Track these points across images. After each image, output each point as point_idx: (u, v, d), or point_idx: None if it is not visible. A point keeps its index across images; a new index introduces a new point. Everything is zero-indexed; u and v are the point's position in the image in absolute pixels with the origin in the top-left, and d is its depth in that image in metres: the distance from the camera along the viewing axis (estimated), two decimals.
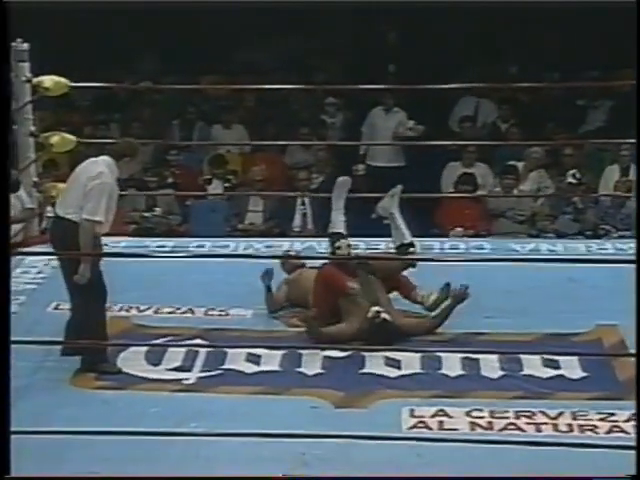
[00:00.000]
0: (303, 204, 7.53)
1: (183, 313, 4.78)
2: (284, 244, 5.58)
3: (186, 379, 4.15)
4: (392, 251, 4.93)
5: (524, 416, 3.84)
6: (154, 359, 4.27)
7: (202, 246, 5.63)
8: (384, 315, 4.36)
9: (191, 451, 3.53)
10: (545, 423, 3.80)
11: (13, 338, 3.24)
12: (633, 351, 3.58)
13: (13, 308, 4.65)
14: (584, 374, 4.14)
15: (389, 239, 5.07)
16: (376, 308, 4.39)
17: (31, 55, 5.30)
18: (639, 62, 2.66)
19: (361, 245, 5.47)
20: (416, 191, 6.16)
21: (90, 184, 4.12)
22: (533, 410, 3.88)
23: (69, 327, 4.14)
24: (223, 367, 4.23)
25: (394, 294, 4.67)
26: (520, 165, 7.52)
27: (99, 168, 4.17)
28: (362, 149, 8.13)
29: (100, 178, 4.13)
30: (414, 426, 3.79)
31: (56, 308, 4.71)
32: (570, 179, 7.32)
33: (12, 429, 2.96)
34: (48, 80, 5.26)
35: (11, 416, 3.00)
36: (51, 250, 4.44)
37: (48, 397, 3.97)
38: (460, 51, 8.92)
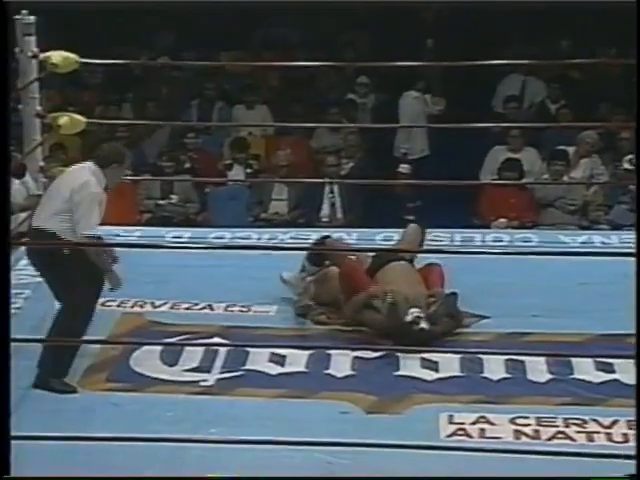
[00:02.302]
0: (332, 192, 7.53)
1: (201, 309, 4.79)
2: (311, 235, 5.58)
3: (204, 381, 4.16)
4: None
5: (574, 424, 3.82)
6: (170, 359, 4.28)
7: (222, 237, 5.64)
8: (423, 325, 4.35)
9: (209, 459, 3.54)
10: (597, 432, 3.78)
11: (18, 336, 3.25)
12: None
13: (18, 303, 4.71)
14: None
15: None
16: (416, 312, 4.37)
17: (38, 28, 5.32)
18: (639, 61, 2.73)
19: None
20: (455, 178, 6.14)
21: (77, 197, 4.11)
22: (584, 418, 3.86)
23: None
24: (244, 368, 4.23)
25: None
26: (571, 150, 7.46)
27: (83, 177, 4.17)
28: (402, 148, 8.14)
29: (87, 188, 4.13)
30: (453, 434, 3.78)
31: None
32: (626, 165, 7.24)
33: (15, 434, 2.97)
34: (56, 55, 5.27)
35: (15, 419, 3.01)
36: (58, 240, 4.46)
37: (55, 399, 3.99)
38: (505, 24, 8.85)
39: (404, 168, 8.02)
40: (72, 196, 4.12)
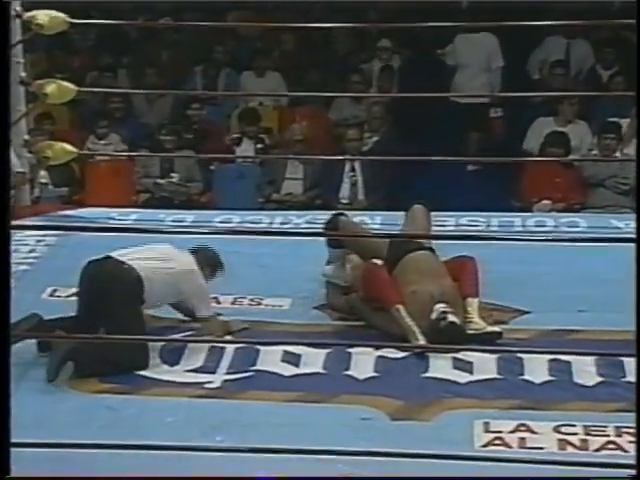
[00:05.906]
0: (353, 170, 7.54)
1: None
2: None
3: (209, 382, 4.18)
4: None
5: (627, 433, 3.80)
6: (171, 358, 4.31)
7: (229, 220, 5.66)
8: (452, 318, 4.34)
9: (215, 469, 3.55)
10: None
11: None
12: None
13: None
14: None
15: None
16: (442, 307, 4.37)
17: None
18: (639, 61, 2.81)
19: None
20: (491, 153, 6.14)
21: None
22: None
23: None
24: (254, 368, 4.24)
25: None
26: (624, 123, 7.43)
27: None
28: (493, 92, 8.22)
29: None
30: (489, 443, 3.79)
31: (52, 295, 4.77)
32: None
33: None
34: (42, 15, 5.29)
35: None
36: (46, 224, 4.49)
37: (42, 402, 4.02)
38: None
39: (496, 112, 8.05)
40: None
